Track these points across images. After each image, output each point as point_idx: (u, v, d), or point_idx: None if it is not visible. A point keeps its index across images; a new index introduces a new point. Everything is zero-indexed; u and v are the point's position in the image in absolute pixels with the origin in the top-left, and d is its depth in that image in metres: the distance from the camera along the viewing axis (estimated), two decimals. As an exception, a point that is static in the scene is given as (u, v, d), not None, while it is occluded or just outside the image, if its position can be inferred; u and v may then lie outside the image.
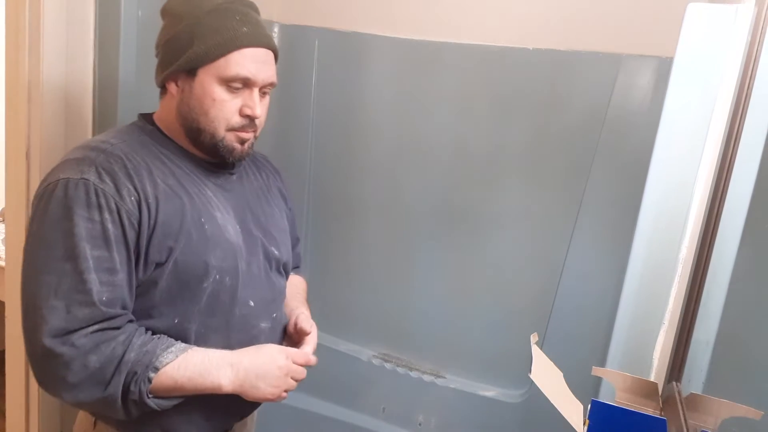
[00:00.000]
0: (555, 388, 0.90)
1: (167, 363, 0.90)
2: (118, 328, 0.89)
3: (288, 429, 2.03)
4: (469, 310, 1.83)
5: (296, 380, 1.04)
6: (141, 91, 1.46)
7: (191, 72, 0.98)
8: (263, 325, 1.07)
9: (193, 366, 0.93)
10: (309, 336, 1.13)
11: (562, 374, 0.94)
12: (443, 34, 1.75)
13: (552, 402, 0.86)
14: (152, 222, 0.93)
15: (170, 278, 0.95)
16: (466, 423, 1.86)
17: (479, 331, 1.83)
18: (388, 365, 1.93)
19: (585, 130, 1.62)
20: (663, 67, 1.49)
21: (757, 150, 0.96)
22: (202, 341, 0.98)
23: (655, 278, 1.11)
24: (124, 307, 0.91)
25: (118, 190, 0.91)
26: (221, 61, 0.97)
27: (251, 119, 1.01)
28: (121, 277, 0.90)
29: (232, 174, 1.10)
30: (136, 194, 0.92)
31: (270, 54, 1.03)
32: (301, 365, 1.04)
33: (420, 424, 1.92)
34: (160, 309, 0.95)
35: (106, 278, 0.88)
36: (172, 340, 0.94)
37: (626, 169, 1.56)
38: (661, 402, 1.01)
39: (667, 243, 1.10)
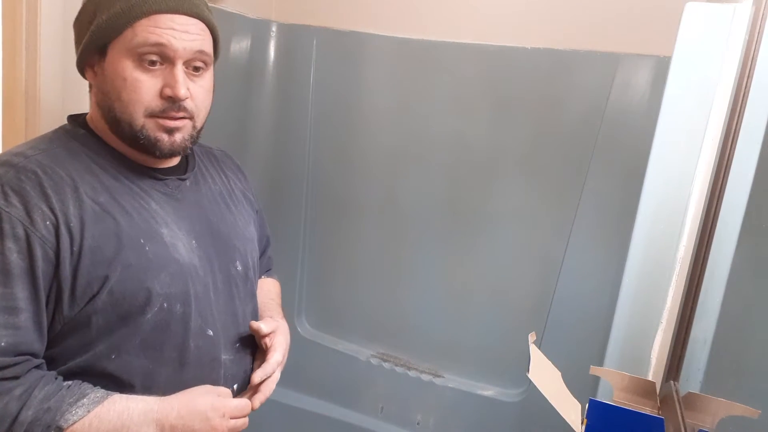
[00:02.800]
0: (553, 387, 0.90)
1: (75, 422, 0.75)
2: (15, 377, 0.75)
3: (286, 428, 2.03)
4: (468, 310, 1.83)
5: None
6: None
7: (102, 51, 0.83)
8: (224, 357, 0.92)
9: (108, 424, 0.77)
10: (268, 354, 0.97)
11: (560, 373, 0.94)
12: (441, 34, 1.75)
13: (550, 401, 0.86)
14: (76, 249, 0.78)
15: (107, 311, 0.81)
16: (464, 422, 1.86)
17: (477, 331, 1.83)
18: (386, 365, 1.93)
19: (583, 129, 1.62)
20: (661, 67, 1.49)
21: (754, 149, 0.95)
22: (149, 379, 0.85)
23: (653, 277, 1.11)
24: (28, 353, 0.77)
25: (28, 214, 0.76)
26: (128, 32, 0.81)
27: (175, 101, 0.84)
28: (25, 317, 0.76)
29: (183, 180, 0.95)
30: (52, 217, 0.78)
31: (197, 23, 0.85)
32: (240, 417, 0.90)
33: (418, 424, 1.92)
34: (97, 345, 0.82)
35: (3, 319, 0.75)
36: (88, 387, 0.79)
37: (624, 168, 1.56)
38: (658, 401, 1.01)
39: (665, 242, 1.10)
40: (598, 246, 1.63)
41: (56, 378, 0.80)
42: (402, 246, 1.89)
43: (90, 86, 0.89)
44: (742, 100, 0.99)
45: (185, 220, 0.91)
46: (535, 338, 0.93)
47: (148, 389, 0.84)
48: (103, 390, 0.80)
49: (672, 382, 1.04)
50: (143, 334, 0.83)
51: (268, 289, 1.16)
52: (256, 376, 0.95)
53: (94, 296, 0.80)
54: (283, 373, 1.90)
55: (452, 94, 1.76)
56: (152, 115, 0.84)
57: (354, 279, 1.97)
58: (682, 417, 0.92)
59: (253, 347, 1.00)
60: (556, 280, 1.70)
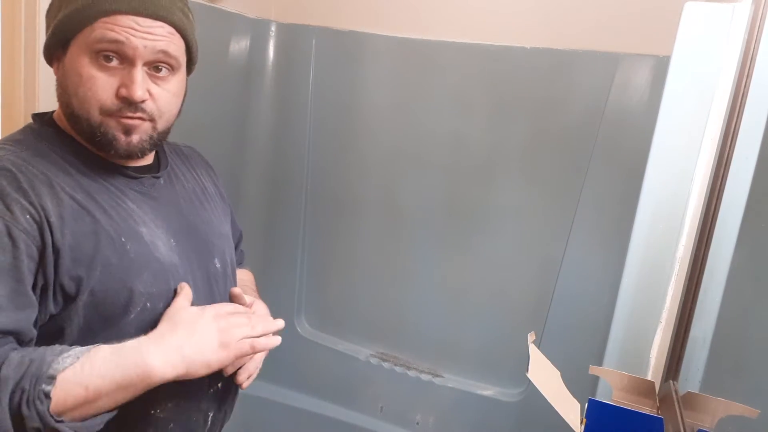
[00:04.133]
0: (552, 387, 0.90)
1: (65, 368, 0.70)
2: None
3: (285, 428, 2.03)
4: (467, 309, 1.83)
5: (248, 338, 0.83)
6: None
7: (64, 46, 0.81)
8: None
9: (103, 360, 0.72)
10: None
11: (559, 373, 0.94)
12: (440, 33, 1.75)
13: (549, 401, 0.86)
14: (57, 246, 0.75)
15: (88, 312, 0.78)
16: (464, 422, 1.86)
17: (477, 330, 1.83)
18: (385, 364, 1.93)
19: (583, 129, 1.62)
20: (660, 66, 1.49)
21: (754, 148, 0.95)
22: None
23: (653, 277, 1.12)
24: (6, 332, 0.72)
25: (8, 207, 0.73)
26: (88, 29, 0.79)
27: (131, 102, 0.81)
28: (8, 311, 0.72)
29: (157, 177, 0.92)
30: (33, 211, 0.74)
31: (164, 26, 0.82)
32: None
33: (418, 423, 1.92)
34: (79, 346, 0.77)
35: None
36: (67, 346, 0.75)
37: (623, 168, 1.56)
38: (658, 401, 1.01)
39: (665, 241, 1.10)
40: (598, 246, 1.63)
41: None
42: (401, 246, 1.89)
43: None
44: (742, 100, 0.99)
45: (163, 219, 0.89)
46: (534, 338, 0.93)
47: None
48: (86, 348, 0.75)
49: (671, 381, 1.04)
50: (127, 335, 0.79)
51: (241, 278, 1.14)
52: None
53: (75, 296, 0.77)
54: (282, 373, 1.91)
55: (451, 94, 1.76)
56: (108, 113, 0.81)
57: (353, 279, 1.97)
58: (682, 416, 0.92)
59: None
60: (556, 280, 1.70)
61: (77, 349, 0.73)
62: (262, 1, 1.90)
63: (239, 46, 1.84)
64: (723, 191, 1.00)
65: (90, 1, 0.78)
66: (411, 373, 1.90)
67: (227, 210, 1.09)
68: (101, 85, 0.80)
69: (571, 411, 0.88)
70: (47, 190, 0.77)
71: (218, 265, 0.96)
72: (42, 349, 0.73)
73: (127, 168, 0.88)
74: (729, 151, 1.00)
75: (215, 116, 1.81)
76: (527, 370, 0.87)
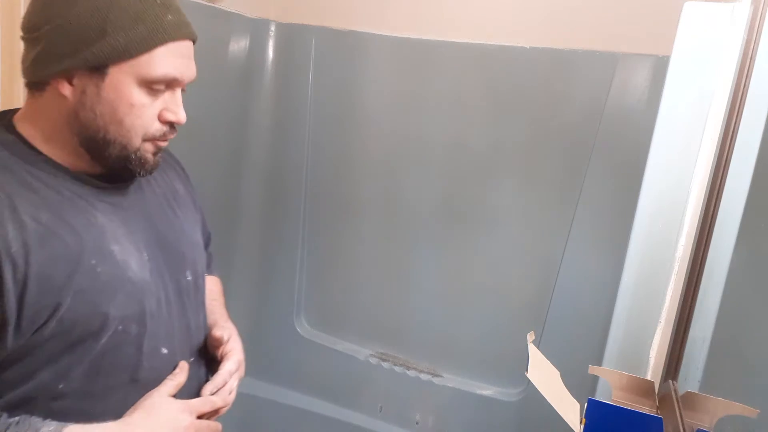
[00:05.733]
0: (552, 386, 0.90)
1: None
2: None
3: (284, 428, 2.03)
4: (466, 309, 1.83)
5: None
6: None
7: (100, 69, 0.76)
8: None
9: None
10: (227, 353, 0.95)
11: (558, 373, 0.94)
12: (440, 33, 1.75)
13: (549, 401, 0.86)
14: (20, 277, 0.70)
15: (55, 339, 0.74)
16: (463, 422, 1.86)
17: (476, 330, 1.83)
18: (385, 364, 1.93)
19: (582, 129, 1.62)
20: (660, 66, 1.49)
21: (753, 148, 0.96)
22: (102, 405, 0.78)
23: (652, 276, 1.12)
24: None
25: None
26: (144, 58, 0.76)
27: (172, 126, 0.82)
28: None
29: (127, 186, 0.87)
30: None
31: (192, 46, 0.83)
32: (210, 412, 0.86)
33: (417, 423, 1.92)
34: (40, 373, 0.74)
35: None
36: (38, 421, 0.72)
37: (623, 168, 1.56)
38: (657, 400, 1.01)
39: (664, 241, 1.10)
40: (597, 245, 1.63)
41: (1, 414, 0.72)
42: (401, 245, 1.89)
43: (38, 91, 0.79)
44: (741, 100, 0.99)
45: (134, 232, 0.84)
46: (533, 338, 0.93)
47: (101, 415, 0.78)
48: (55, 422, 0.73)
49: (671, 381, 1.04)
50: (94, 359, 0.77)
51: (210, 289, 1.08)
52: (206, 390, 0.90)
53: (42, 325, 0.72)
54: (282, 373, 1.92)
55: (451, 94, 1.76)
56: (151, 138, 0.81)
57: (353, 279, 1.97)
58: (681, 416, 0.92)
59: (207, 357, 0.96)
60: (555, 280, 1.70)
61: (45, 431, 0.71)
62: (262, 0, 1.89)
63: (238, 45, 1.84)
64: (722, 191, 1.00)
65: (147, 34, 0.75)
66: (410, 373, 1.90)
67: (198, 214, 1.04)
68: (149, 113, 0.79)
69: (571, 411, 0.88)
70: (8, 214, 0.71)
71: (190, 278, 0.92)
72: (12, 429, 0.70)
73: (96, 177, 0.82)
74: (728, 150, 1.00)
75: (214, 116, 1.81)
76: (526, 370, 0.87)
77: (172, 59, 0.78)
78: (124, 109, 0.77)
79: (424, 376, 1.89)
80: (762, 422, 0.77)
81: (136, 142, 0.79)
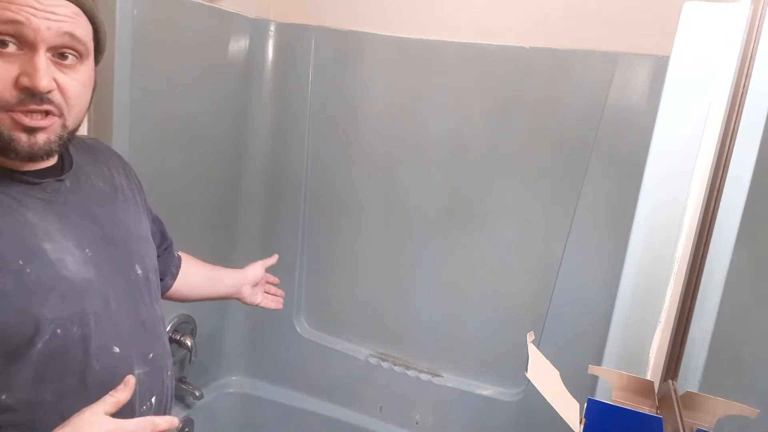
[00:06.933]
0: (551, 386, 0.90)
1: None
2: None
3: (284, 428, 2.03)
4: (466, 309, 1.83)
5: None
6: (136, 89, 1.46)
7: None
8: (138, 371, 0.82)
9: None
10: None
11: (558, 373, 0.94)
12: (440, 33, 1.75)
13: (548, 401, 0.86)
14: None
15: None
16: (463, 422, 1.86)
17: (476, 330, 1.83)
18: (384, 364, 1.93)
19: (582, 129, 1.62)
20: (659, 66, 1.49)
21: (753, 148, 0.96)
22: (53, 413, 0.73)
23: (652, 276, 1.12)
24: None
25: None
26: None
27: (34, 93, 0.69)
28: None
29: (61, 180, 0.80)
30: None
31: (69, 6, 0.71)
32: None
33: (417, 423, 1.92)
34: None
35: None
36: None
37: (623, 168, 1.56)
38: (657, 400, 1.01)
39: (664, 241, 1.10)
40: (597, 245, 1.63)
41: None
42: (401, 245, 1.89)
43: None
44: (741, 100, 0.99)
45: (73, 229, 0.79)
46: (533, 338, 0.93)
47: (53, 424, 0.71)
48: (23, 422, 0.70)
49: (670, 381, 1.04)
50: (36, 366, 0.71)
51: (191, 259, 1.19)
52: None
53: None
54: (282, 373, 1.93)
55: (450, 94, 1.76)
56: (5, 108, 0.69)
57: (352, 278, 1.97)
58: (681, 416, 0.92)
59: (167, 353, 0.92)
60: (555, 280, 1.70)
61: None
62: (262, 0, 1.89)
63: (238, 45, 1.84)
64: (722, 191, 1.00)
65: None
66: (410, 373, 1.90)
67: (143, 206, 0.98)
68: None
69: (570, 410, 0.88)
70: None
71: (140, 272, 0.88)
72: None
73: (25, 173, 0.75)
74: (728, 150, 1.00)
75: (214, 116, 1.80)
76: (526, 370, 0.87)
77: (9, 5, 0.67)
78: None
79: (423, 376, 1.89)
80: (762, 422, 0.77)
81: None
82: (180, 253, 1.19)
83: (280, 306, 1.36)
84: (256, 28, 1.88)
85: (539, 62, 1.64)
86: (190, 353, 1.77)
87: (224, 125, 1.87)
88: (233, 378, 2.10)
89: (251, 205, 2.01)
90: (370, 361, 1.95)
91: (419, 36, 1.77)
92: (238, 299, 1.29)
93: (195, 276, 1.21)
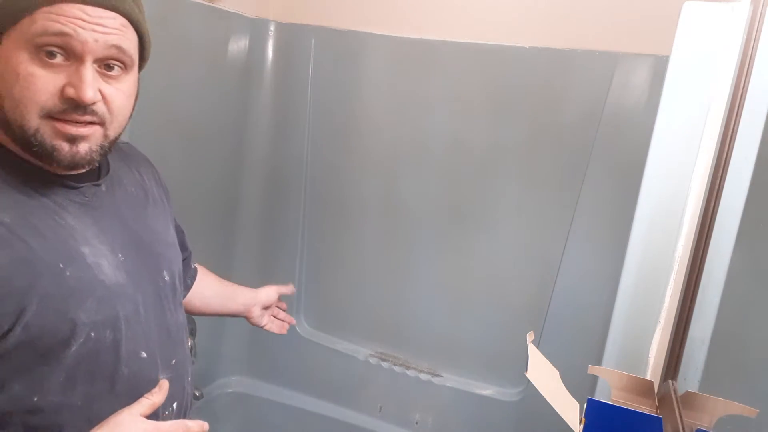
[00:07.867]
0: (551, 386, 0.90)
1: None
2: None
3: (284, 428, 2.03)
4: (466, 309, 1.83)
5: None
6: (141, 89, 1.45)
7: None
8: (162, 377, 0.84)
9: None
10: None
11: (558, 373, 0.94)
12: (440, 33, 1.75)
13: (548, 400, 0.86)
14: None
15: (24, 348, 0.70)
16: (463, 422, 1.86)
17: (476, 330, 1.83)
18: (384, 364, 1.93)
19: (581, 129, 1.62)
20: (659, 66, 1.49)
21: (752, 148, 0.95)
22: (80, 416, 0.74)
23: (651, 276, 1.12)
24: None
25: None
26: (26, 20, 0.67)
27: (78, 105, 0.70)
28: None
29: (98, 185, 0.82)
30: None
31: (117, 18, 0.72)
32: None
33: (417, 423, 1.92)
34: (12, 387, 0.70)
35: None
36: None
37: (622, 168, 1.56)
38: (657, 400, 1.01)
39: (663, 241, 1.10)
40: (597, 245, 1.63)
41: None
42: (400, 245, 1.89)
43: None
44: (740, 99, 0.99)
45: (107, 233, 0.80)
46: (533, 338, 0.93)
47: (79, 428, 0.74)
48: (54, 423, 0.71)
49: (670, 381, 1.04)
50: (68, 369, 0.73)
51: (206, 273, 1.18)
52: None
53: (5, 334, 0.68)
54: (282, 373, 1.94)
55: (450, 94, 1.76)
56: (48, 116, 0.70)
57: (353, 278, 1.97)
58: (681, 416, 0.92)
59: (188, 359, 0.94)
60: (555, 280, 1.70)
61: None
62: (262, 0, 1.89)
63: (238, 45, 1.84)
64: (722, 191, 1.00)
65: None
66: (410, 373, 1.90)
67: (170, 213, 1.00)
68: (41, 84, 0.68)
69: (570, 410, 0.88)
70: None
71: (167, 278, 0.89)
72: None
73: (65, 177, 0.77)
74: (728, 150, 1.00)
75: (214, 116, 1.81)
76: (526, 370, 0.87)
77: (58, 17, 0.68)
78: (11, 77, 0.69)
79: (423, 376, 1.89)
80: (762, 422, 0.77)
81: (31, 119, 0.70)
82: (197, 266, 1.18)
83: (285, 332, 1.33)
84: (256, 28, 1.88)
85: (539, 62, 1.64)
86: (190, 353, 1.77)
87: (224, 125, 1.87)
88: (233, 378, 2.10)
89: (251, 205, 2.01)
90: (370, 361, 1.95)
91: (419, 36, 1.77)
92: (246, 318, 1.27)
93: (209, 290, 1.20)
